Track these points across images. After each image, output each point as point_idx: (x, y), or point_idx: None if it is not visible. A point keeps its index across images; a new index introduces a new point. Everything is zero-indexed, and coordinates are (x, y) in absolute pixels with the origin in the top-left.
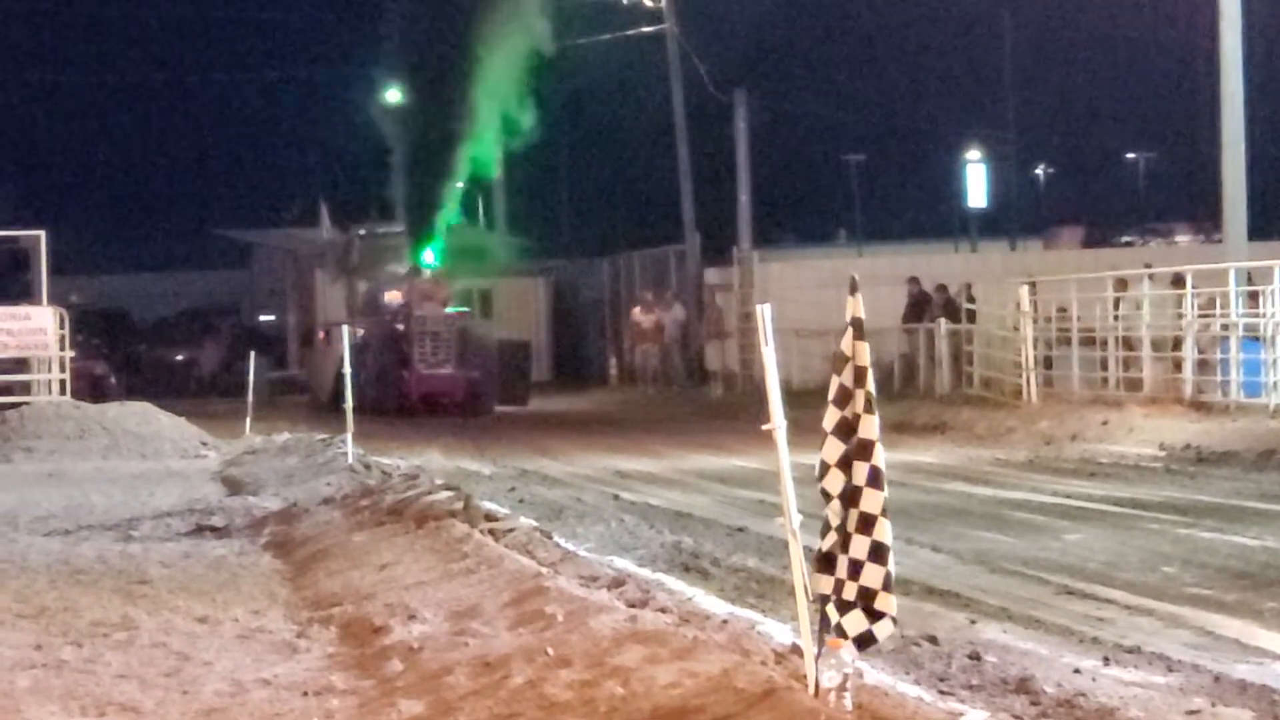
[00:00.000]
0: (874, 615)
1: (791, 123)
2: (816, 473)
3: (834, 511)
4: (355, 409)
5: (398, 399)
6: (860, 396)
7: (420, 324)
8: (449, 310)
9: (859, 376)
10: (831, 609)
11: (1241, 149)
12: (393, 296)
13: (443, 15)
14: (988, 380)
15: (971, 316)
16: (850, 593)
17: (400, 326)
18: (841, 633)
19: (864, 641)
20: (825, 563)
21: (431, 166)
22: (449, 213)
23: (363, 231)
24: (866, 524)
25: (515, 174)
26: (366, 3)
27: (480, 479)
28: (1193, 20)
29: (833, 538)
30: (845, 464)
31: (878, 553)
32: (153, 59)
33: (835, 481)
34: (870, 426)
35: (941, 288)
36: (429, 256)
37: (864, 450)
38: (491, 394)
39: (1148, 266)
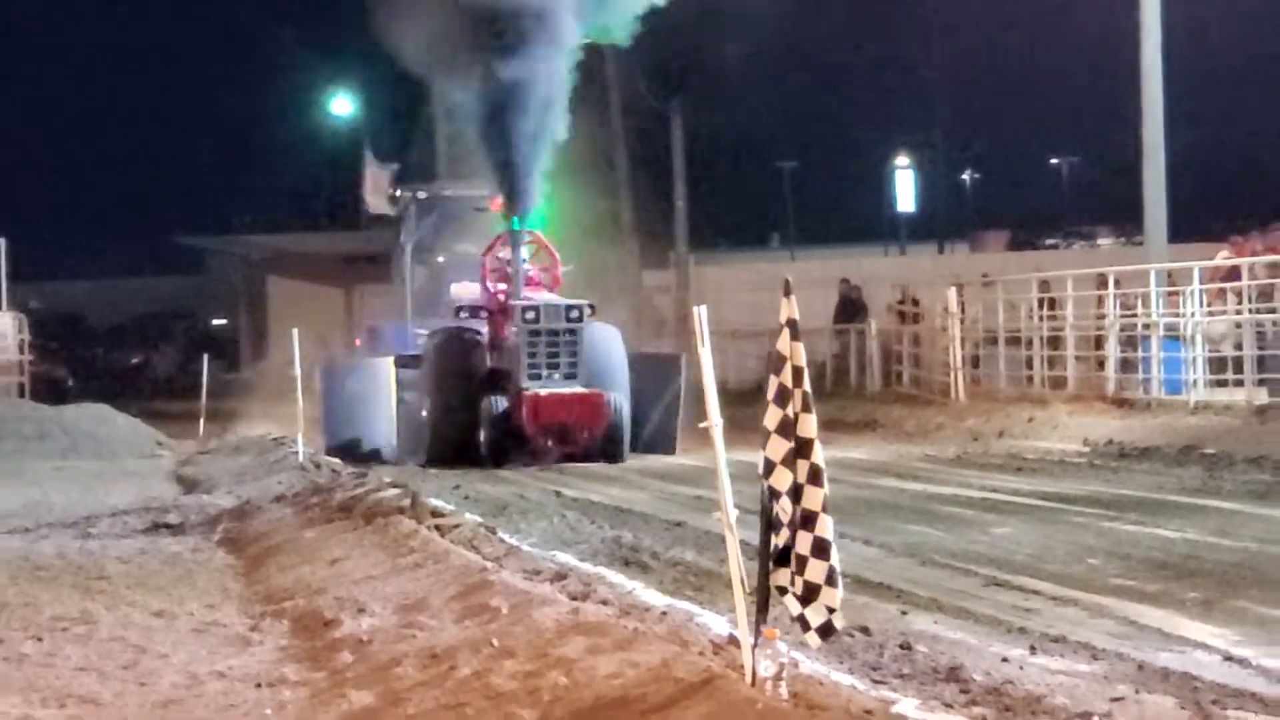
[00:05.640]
0: (825, 608)
1: (725, 130)
2: (761, 470)
3: (783, 508)
4: (427, 459)
5: (497, 436)
6: (798, 395)
7: (529, 317)
8: (566, 301)
9: (797, 376)
10: (792, 600)
11: (1161, 155)
12: (462, 290)
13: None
14: (917, 379)
15: (915, 319)
16: (800, 587)
17: (483, 328)
18: (805, 624)
19: (826, 631)
20: (783, 557)
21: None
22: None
23: (423, 194)
24: (808, 521)
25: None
26: (323, 16)
27: (426, 477)
28: (1114, 30)
29: (786, 533)
30: (790, 461)
31: (820, 548)
32: (110, 70)
33: (783, 478)
34: (809, 425)
35: (844, 280)
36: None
37: (804, 448)
38: (626, 428)
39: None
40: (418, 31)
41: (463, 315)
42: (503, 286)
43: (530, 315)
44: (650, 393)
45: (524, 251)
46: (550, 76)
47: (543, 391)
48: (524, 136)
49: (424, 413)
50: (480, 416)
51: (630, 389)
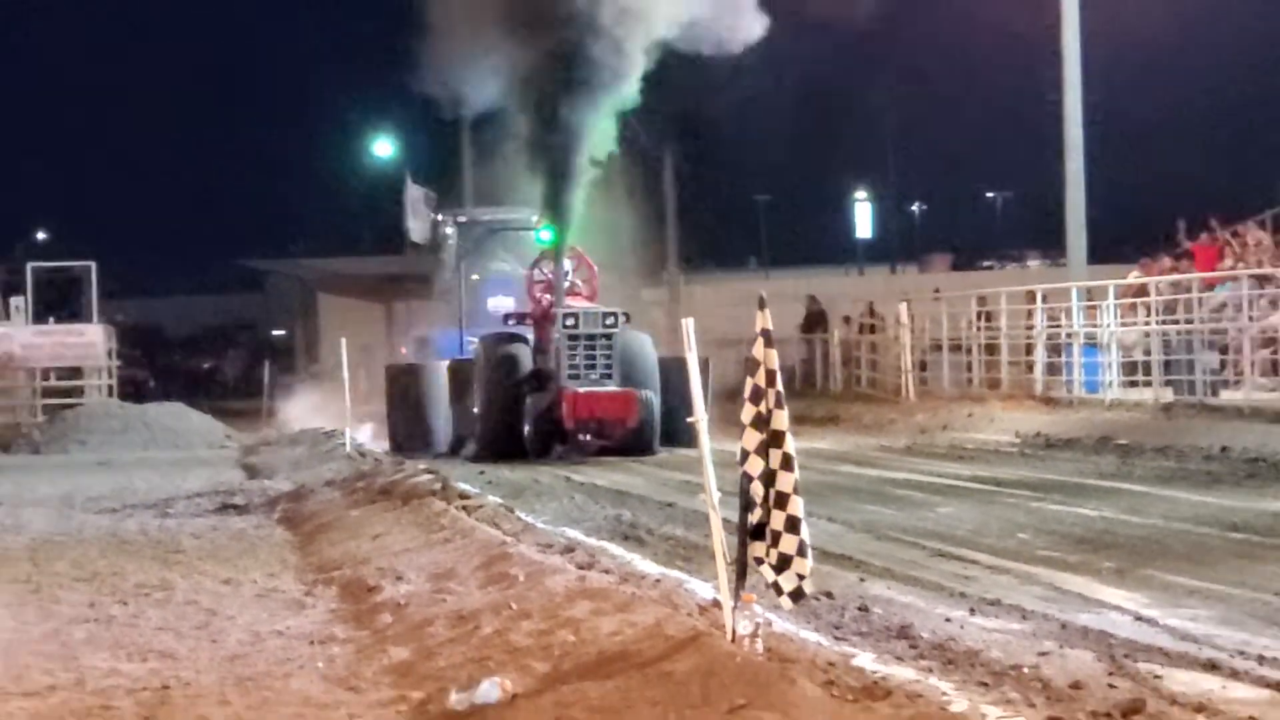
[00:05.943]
0: (796, 575)
1: (710, 167)
2: (738, 458)
3: (756, 491)
4: (477, 452)
5: (540, 430)
6: (771, 395)
7: (569, 323)
8: (603, 309)
9: (769, 378)
10: (767, 570)
11: (1081, 188)
12: (499, 303)
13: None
14: (873, 380)
15: (872, 329)
16: (774, 558)
17: (529, 334)
18: (778, 589)
19: (796, 596)
20: (758, 532)
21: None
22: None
23: (463, 218)
24: (781, 501)
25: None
26: (369, 68)
27: (454, 465)
28: (1041, 81)
29: (759, 512)
30: (763, 451)
31: (792, 524)
32: (185, 119)
33: (755, 465)
34: (781, 419)
35: (810, 297)
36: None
37: (777, 439)
38: (656, 423)
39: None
40: (472, 72)
41: (510, 323)
42: (547, 297)
43: (570, 321)
44: (683, 394)
45: (566, 265)
46: (601, 110)
47: (581, 389)
48: (572, 164)
49: (475, 410)
50: (525, 413)
51: (664, 390)
